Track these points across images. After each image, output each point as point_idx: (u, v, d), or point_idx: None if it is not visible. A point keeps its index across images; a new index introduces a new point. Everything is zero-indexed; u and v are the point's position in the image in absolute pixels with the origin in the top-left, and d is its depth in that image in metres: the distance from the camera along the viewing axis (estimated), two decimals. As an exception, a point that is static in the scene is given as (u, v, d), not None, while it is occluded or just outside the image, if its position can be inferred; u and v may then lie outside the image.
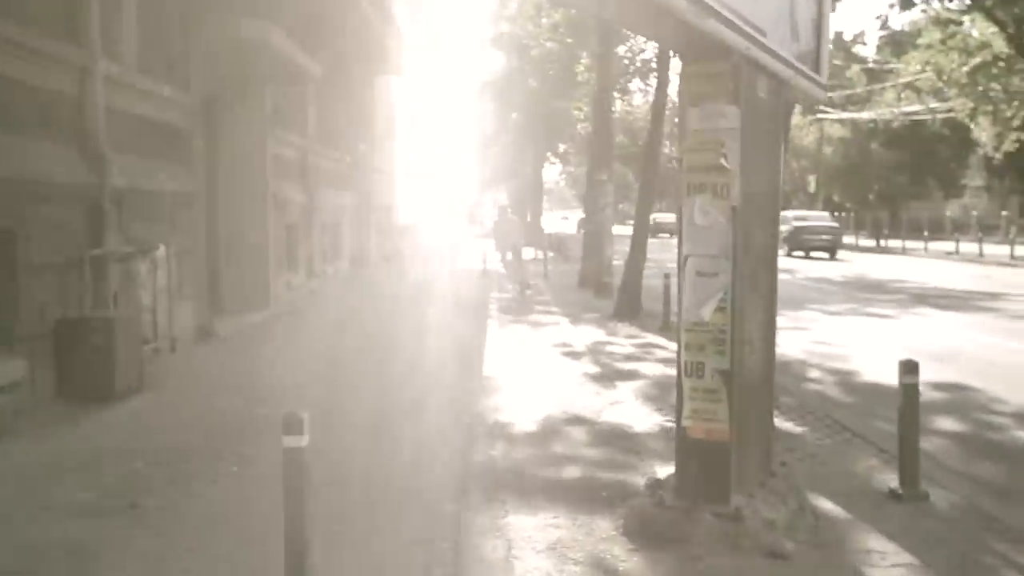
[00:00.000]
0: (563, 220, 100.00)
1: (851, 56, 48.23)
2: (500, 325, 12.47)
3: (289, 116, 15.78)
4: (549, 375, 8.76)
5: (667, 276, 12.30)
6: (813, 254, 31.74)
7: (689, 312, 4.43)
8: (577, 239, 37.91)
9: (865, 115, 39.93)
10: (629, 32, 17.56)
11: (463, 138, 65.12)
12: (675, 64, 13.30)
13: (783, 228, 32.67)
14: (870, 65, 48.75)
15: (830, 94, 46.36)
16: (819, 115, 44.82)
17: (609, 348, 10.48)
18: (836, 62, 46.95)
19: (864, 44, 62.89)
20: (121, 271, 8.45)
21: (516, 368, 9.14)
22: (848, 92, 45.38)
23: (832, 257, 31.43)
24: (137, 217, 8.81)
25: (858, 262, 29.75)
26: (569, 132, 50.18)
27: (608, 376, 8.67)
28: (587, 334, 11.69)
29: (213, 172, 12.41)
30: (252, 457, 5.74)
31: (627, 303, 13.26)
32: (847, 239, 40.50)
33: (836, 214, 48.93)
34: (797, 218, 32.94)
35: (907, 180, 48.26)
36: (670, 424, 5.95)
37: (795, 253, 31.52)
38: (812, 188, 49.79)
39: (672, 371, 5.04)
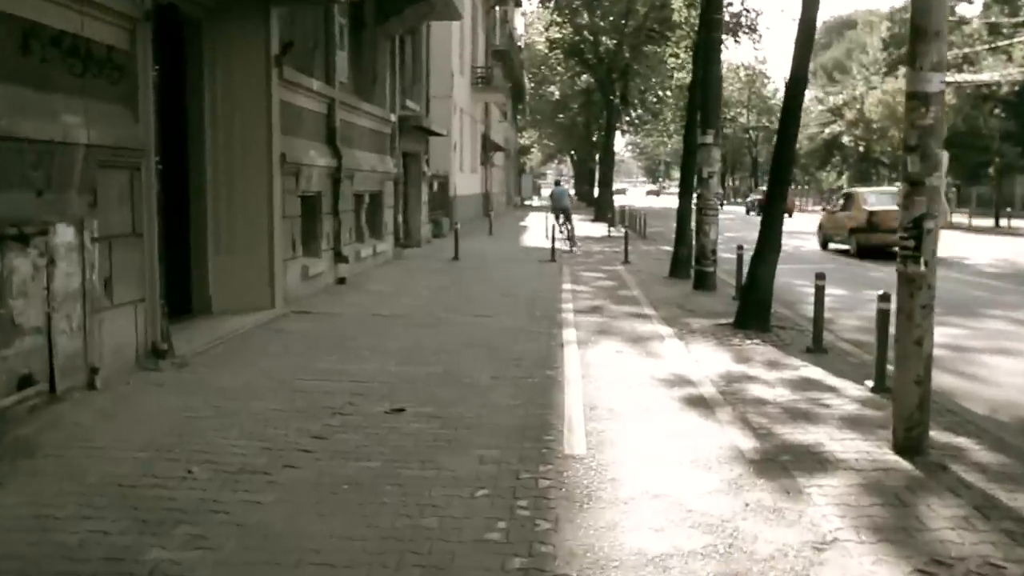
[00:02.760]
0: (650, 195, 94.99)
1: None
2: (582, 340, 8.93)
3: (309, 57, 12.38)
4: (673, 460, 5.20)
5: (820, 276, 8.64)
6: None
7: None
8: (656, 214, 34.09)
9: (984, 77, 34.87)
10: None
11: (529, 103, 61.35)
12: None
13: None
14: (974, 25, 43.47)
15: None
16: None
17: (752, 390, 6.87)
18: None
19: (970, 3, 57.18)
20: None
21: (617, 439, 5.61)
22: (956, 52, 40.38)
23: None
24: (16, 182, 5.51)
25: (988, 246, 25.30)
26: (641, 98, 46.15)
27: (778, 463, 5.09)
28: (707, 358, 8.09)
29: (177, 119, 9.13)
30: None
31: (755, 310, 9.60)
32: (956, 218, 35.91)
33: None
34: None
35: (1019, 152, 42.93)
36: None
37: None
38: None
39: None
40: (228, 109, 9.92)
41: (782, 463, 5.03)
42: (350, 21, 14.84)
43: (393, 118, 17.40)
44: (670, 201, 78.62)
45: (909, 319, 5.10)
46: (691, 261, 14.99)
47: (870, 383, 6.89)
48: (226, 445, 5.26)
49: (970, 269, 17.87)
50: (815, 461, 5.07)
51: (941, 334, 10.01)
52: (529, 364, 7.72)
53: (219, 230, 10.03)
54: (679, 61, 29.70)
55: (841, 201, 23.33)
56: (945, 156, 5.52)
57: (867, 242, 20.13)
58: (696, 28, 16.08)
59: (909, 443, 5.13)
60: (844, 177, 69.09)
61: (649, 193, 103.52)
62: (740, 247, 12.65)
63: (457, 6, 20.52)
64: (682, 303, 11.91)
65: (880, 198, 20.71)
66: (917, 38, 4.95)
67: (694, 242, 13.75)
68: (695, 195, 13.73)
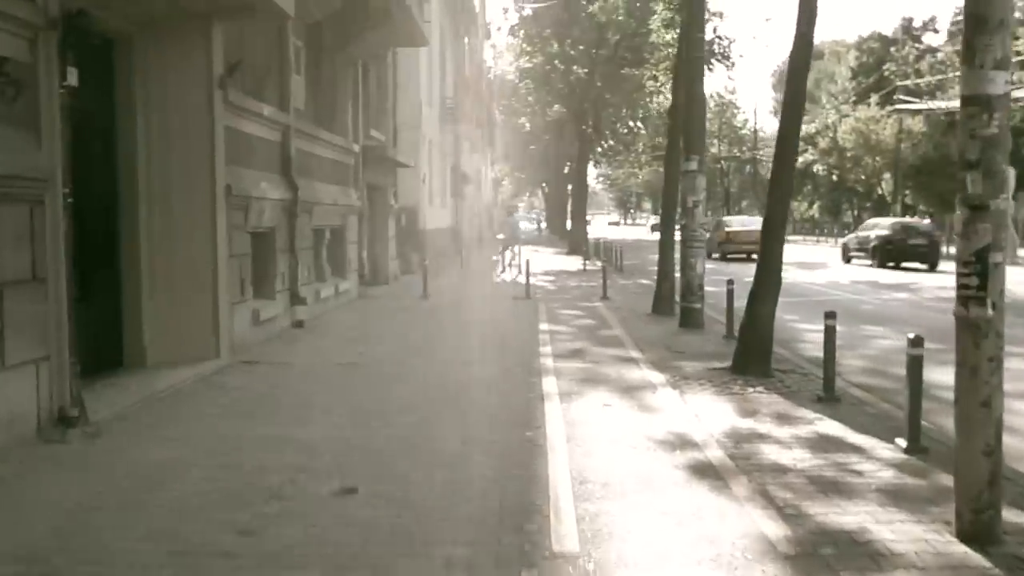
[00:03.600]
0: (611, 225, 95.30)
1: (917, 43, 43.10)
2: (565, 392, 7.90)
3: (260, 81, 11.39)
4: (689, 558, 4.18)
5: (830, 316, 7.70)
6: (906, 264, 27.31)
7: None
8: (629, 246, 33.24)
9: (956, 103, 34.51)
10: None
11: (500, 134, 60.76)
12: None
13: (869, 235, 28.86)
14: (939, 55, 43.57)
15: (907, 82, 41.33)
16: (898, 106, 39.72)
17: (766, 452, 5.87)
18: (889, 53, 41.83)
19: (936, 31, 57.71)
20: None
21: (616, 528, 4.57)
22: (920, 80, 40.34)
23: (932, 268, 26.52)
24: None
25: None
26: (612, 128, 45.60)
27: (820, 559, 4.08)
28: (708, 411, 7.09)
29: (105, 147, 8.09)
30: None
31: (754, 353, 8.63)
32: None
33: (908, 216, 43.96)
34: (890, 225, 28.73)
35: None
36: None
37: (888, 264, 27.42)
38: (886, 188, 44.57)
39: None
40: (164, 135, 8.86)
41: (825, 560, 4.01)
42: (307, 44, 13.90)
43: (356, 148, 16.41)
44: (631, 231, 78.04)
45: (974, 375, 4.15)
46: (674, 296, 14.11)
47: (902, 442, 5.92)
48: (123, 551, 4.15)
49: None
50: (865, 555, 4.07)
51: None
52: (505, 423, 6.67)
53: (154, 271, 8.91)
54: (657, 84, 29.01)
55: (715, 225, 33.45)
56: (1012, 174, 4.61)
57: (727, 251, 31.61)
58: (675, 49, 15.28)
59: (978, 529, 4.15)
60: (815, 207, 69.15)
61: (611, 224, 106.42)
62: (730, 282, 11.74)
63: (423, 32, 19.71)
64: (670, 343, 10.94)
65: (737, 220, 33.80)
66: (976, 29, 4.05)
67: (678, 276, 12.81)
68: (678, 226, 12.81)
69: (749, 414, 7.01)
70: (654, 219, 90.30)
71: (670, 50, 19.35)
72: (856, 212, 62.07)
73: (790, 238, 50.65)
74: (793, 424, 6.67)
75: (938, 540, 4.24)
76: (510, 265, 24.95)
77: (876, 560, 4.01)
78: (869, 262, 28.29)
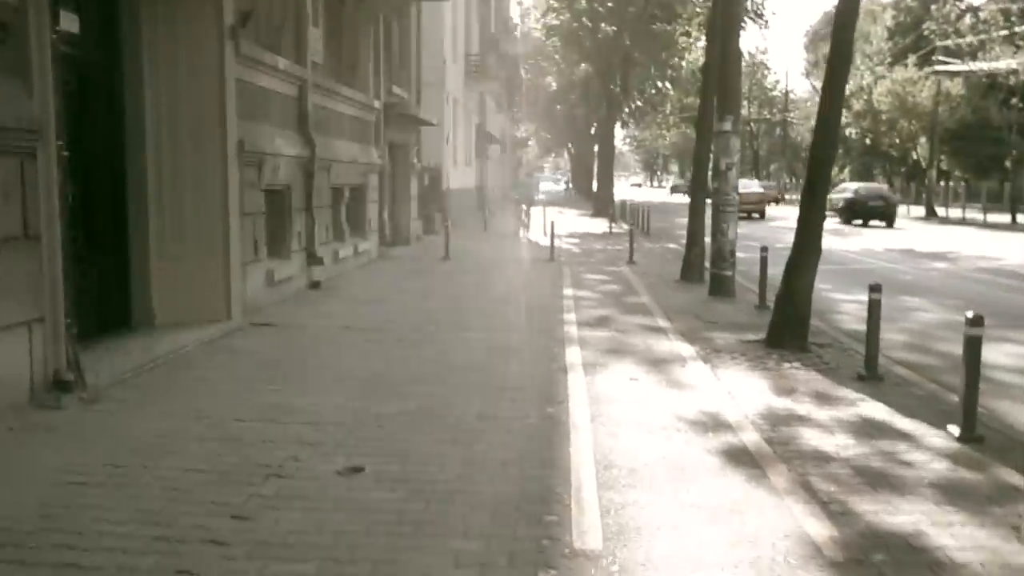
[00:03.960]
0: (634, 187, 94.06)
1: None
2: (589, 363, 7.49)
3: (275, 33, 10.93)
4: (726, 561, 3.78)
5: (875, 288, 7.21)
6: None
7: None
8: (656, 208, 32.47)
9: (1001, 65, 33.30)
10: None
11: (526, 94, 59.83)
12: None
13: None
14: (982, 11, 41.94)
15: (947, 42, 39.85)
16: (937, 67, 38.36)
17: (807, 437, 5.43)
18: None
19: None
20: None
21: (644, 522, 4.17)
22: (962, 40, 38.94)
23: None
24: None
25: (1012, 245, 23.87)
26: (640, 88, 44.60)
27: (871, 566, 3.66)
28: (741, 388, 6.66)
29: (110, 100, 7.70)
30: None
31: (791, 326, 8.15)
32: (969, 213, 34.67)
33: (944, 183, 42.80)
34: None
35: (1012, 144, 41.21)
36: None
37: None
38: (921, 152, 43.21)
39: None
40: (173, 88, 8.44)
41: (878, 568, 3.59)
42: (326, -5, 13.37)
43: (377, 105, 15.92)
44: (655, 193, 76.43)
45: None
46: (704, 263, 13.61)
47: (954, 429, 5.45)
48: (105, 533, 3.81)
49: (1007, 272, 16.42)
50: (923, 565, 3.64)
51: (1007, 353, 8.72)
52: (526, 397, 6.28)
53: (163, 230, 8.55)
54: (690, 41, 28.10)
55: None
56: None
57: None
58: (710, 2, 14.58)
59: (1053, 536, 3.70)
60: (847, 171, 67.74)
61: (633, 185, 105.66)
62: (764, 248, 11.21)
63: (449, -15, 19.07)
64: (699, 313, 10.48)
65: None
66: None
67: (710, 241, 12.29)
68: (712, 189, 12.26)
69: (786, 392, 6.56)
70: (676, 180, 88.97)
71: (704, 4, 18.54)
72: (888, 178, 60.70)
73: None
74: (834, 405, 6.22)
75: (1004, 548, 3.80)
76: (525, 223, 26.80)
77: (935, 571, 3.58)
78: (837, 220, 32.04)
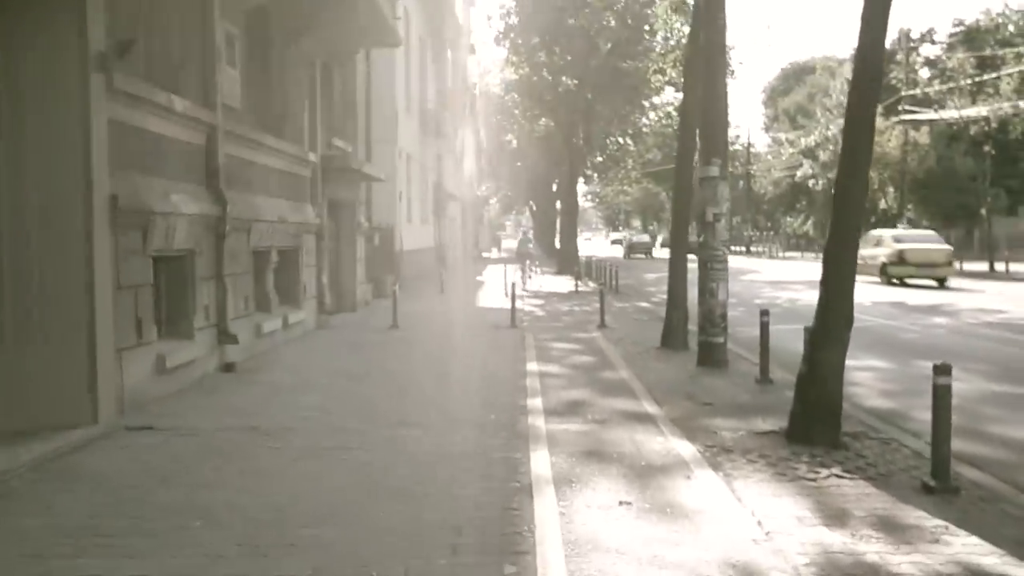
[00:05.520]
0: (585, 241, 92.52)
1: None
2: (562, 477, 5.60)
3: (173, 69, 9.13)
4: None
5: (942, 372, 5.47)
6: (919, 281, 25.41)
7: None
8: (620, 264, 30.79)
9: (971, 112, 32.53)
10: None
11: (486, 151, 58.72)
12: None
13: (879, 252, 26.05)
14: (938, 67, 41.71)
15: (915, 91, 39.38)
16: (903, 116, 37.68)
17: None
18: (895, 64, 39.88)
19: (933, 43, 55.97)
20: None
21: None
22: (930, 89, 38.50)
23: (942, 285, 24.84)
24: None
25: (1006, 292, 22.51)
26: (602, 144, 43.47)
27: None
28: (774, 514, 4.80)
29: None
30: None
31: (819, 413, 6.34)
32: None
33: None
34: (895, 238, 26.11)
35: (996, 193, 40.47)
36: None
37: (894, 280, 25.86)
38: (889, 202, 42.44)
39: None
40: (16, 130, 6.59)
41: None
42: (246, 32, 11.66)
43: (313, 158, 14.12)
44: (605, 245, 73.49)
45: None
46: (686, 326, 11.88)
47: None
48: None
49: (1019, 327, 14.85)
50: None
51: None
52: (474, 546, 4.36)
53: (4, 309, 6.60)
54: (663, 80, 26.76)
55: None
56: None
57: None
58: (686, 38, 13.08)
59: None
60: (810, 222, 67.23)
61: (586, 240, 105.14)
62: (765, 312, 9.47)
63: (395, 31, 17.54)
64: (692, 391, 8.66)
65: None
66: None
67: (698, 305, 10.54)
68: (699, 243, 10.55)
69: (837, 520, 4.72)
70: (615, 235, 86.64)
71: (678, 42, 17.16)
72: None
73: (789, 255, 48.58)
74: (912, 542, 4.38)
75: None
76: (529, 278, 27.53)
77: None
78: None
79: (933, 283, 24.85)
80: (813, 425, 6.31)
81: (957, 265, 26.67)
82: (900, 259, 24.67)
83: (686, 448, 6.32)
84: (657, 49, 25.06)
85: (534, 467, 5.78)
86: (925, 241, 25.76)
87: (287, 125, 13.24)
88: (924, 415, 7.66)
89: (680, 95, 17.30)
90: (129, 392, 7.53)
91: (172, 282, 8.89)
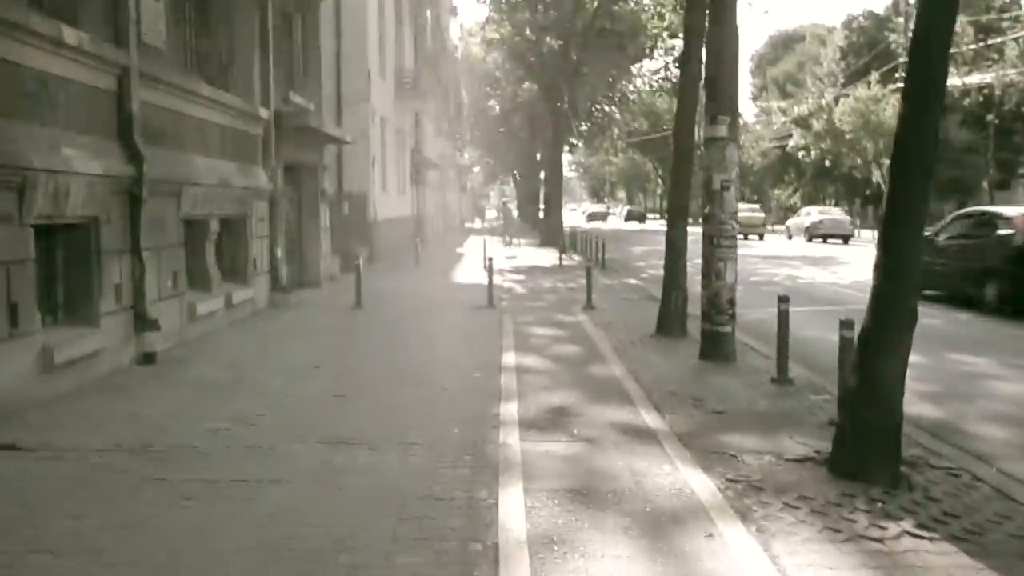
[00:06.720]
0: (571, 212, 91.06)
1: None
2: (541, 529, 4.14)
3: (69, -8, 7.48)
4: None
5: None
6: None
7: None
8: (609, 237, 29.15)
9: (974, 79, 31.07)
10: None
11: (468, 118, 56.81)
12: None
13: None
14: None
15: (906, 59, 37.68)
16: (901, 84, 36.16)
17: None
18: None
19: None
20: None
21: None
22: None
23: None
24: None
25: None
26: (587, 109, 41.72)
27: None
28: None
29: None
30: None
31: (875, 441, 4.87)
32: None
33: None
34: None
35: (985, 165, 39.03)
36: None
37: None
38: (880, 176, 41.08)
39: None
40: None
41: None
42: (177, -39, 9.95)
43: (264, 114, 12.47)
44: (580, 219, 73.23)
45: None
46: (685, 310, 10.42)
47: None
48: None
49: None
50: None
51: None
52: None
53: None
54: (663, 25, 25.00)
55: None
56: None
57: None
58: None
59: None
60: (798, 195, 65.91)
61: (571, 211, 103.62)
62: (784, 299, 7.97)
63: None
64: (698, 393, 7.20)
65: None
66: None
67: (701, 288, 9.05)
68: (703, 215, 9.04)
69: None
70: (592, 207, 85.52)
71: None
72: (835, 201, 58.77)
73: (778, 228, 47.20)
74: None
75: None
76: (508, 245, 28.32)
77: None
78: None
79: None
80: (867, 455, 4.85)
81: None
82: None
83: (701, 483, 4.86)
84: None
85: (503, 518, 4.30)
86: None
87: (233, 76, 11.60)
88: (989, 432, 6.30)
89: (679, 44, 15.71)
90: (4, 394, 5.99)
91: (69, 257, 7.31)
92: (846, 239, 35.15)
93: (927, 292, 13.54)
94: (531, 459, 5.29)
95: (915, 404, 7.23)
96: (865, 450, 4.86)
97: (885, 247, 5.04)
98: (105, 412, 6.45)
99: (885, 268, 5.02)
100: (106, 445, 5.55)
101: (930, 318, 10.80)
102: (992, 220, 13.59)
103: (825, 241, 35.45)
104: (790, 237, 38.47)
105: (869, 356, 4.96)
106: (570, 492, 4.71)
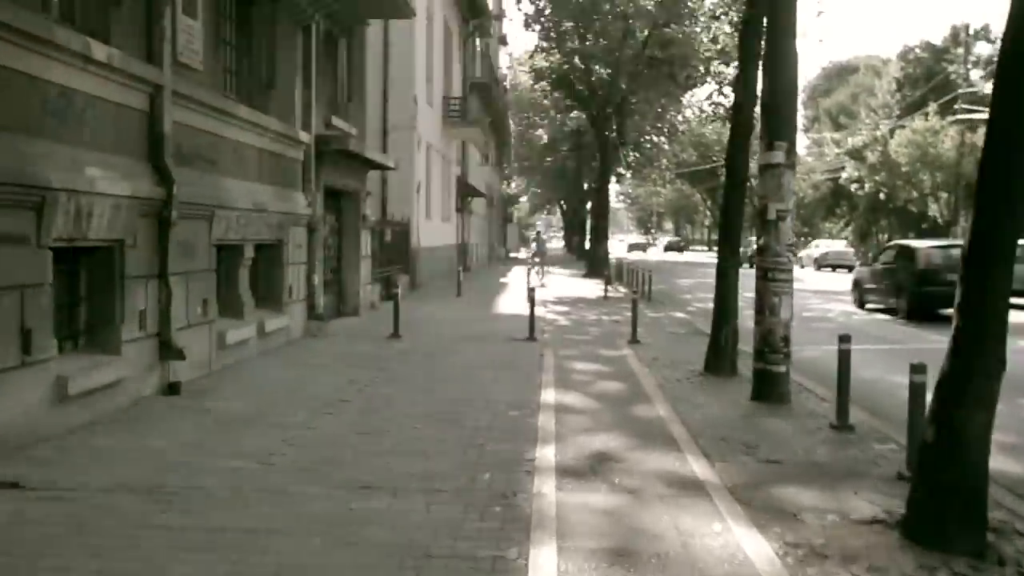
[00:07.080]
0: (620, 243, 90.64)
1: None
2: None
3: (98, 8, 7.27)
4: None
5: None
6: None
7: None
8: (654, 268, 28.52)
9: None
10: None
11: (515, 148, 56.73)
12: None
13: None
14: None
15: (974, 89, 36.86)
16: (959, 115, 35.18)
17: None
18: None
19: (990, 41, 53.14)
20: None
21: None
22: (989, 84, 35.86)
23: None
24: None
25: None
26: (636, 140, 41.29)
27: None
28: None
29: None
30: None
31: (957, 504, 4.29)
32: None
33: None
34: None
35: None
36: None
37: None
38: (941, 207, 39.81)
39: None
40: None
41: None
42: (218, -18, 9.79)
43: (305, 138, 12.25)
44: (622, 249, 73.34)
45: None
46: (735, 347, 9.85)
47: None
48: None
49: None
50: None
51: None
52: None
53: None
54: (716, 48, 24.52)
55: None
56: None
57: None
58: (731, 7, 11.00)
59: None
60: (849, 228, 64.44)
61: (619, 242, 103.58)
62: (845, 338, 7.38)
63: (407, 2, 15.61)
64: (751, 439, 6.64)
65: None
66: None
67: (754, 324, 8.49)
68: (756, 246, 8.53)
69: None
70: (632, 239, 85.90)
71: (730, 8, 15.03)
72: (888, 236, 57.28)
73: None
74: None
75: None
76: (540, 277, 27.44)
77: None
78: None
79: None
80: (947, 520, 4.28)
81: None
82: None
83: (757, 547, 4.32)
84: (706, 4, 22.72)
85: (537, 579, 3.81)
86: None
87: (273, 98, 11.38)
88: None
89: (733, 71, 15.23)
90: (9, 428, 5.67)
91: (92, 281, 7.04)
92: (850, 268, 34.74)
93: (871, 306, 19.04)
94: (567, 512, 4.80)
95: (992, 457, 6.59)
96: (945, 514, 4.29)
97: (968, 286, 4.49)
98: (117, 447, 6.11)
99: (968, 310, 4.46)
100: (111, 484, 5.19)
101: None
102: (905, 251, 18.23)
103: (834, 270, 38.30)
104: (802, 267, 41.01)
105: (949, 407, 4.40)
106: (609, 553, 4.20)
